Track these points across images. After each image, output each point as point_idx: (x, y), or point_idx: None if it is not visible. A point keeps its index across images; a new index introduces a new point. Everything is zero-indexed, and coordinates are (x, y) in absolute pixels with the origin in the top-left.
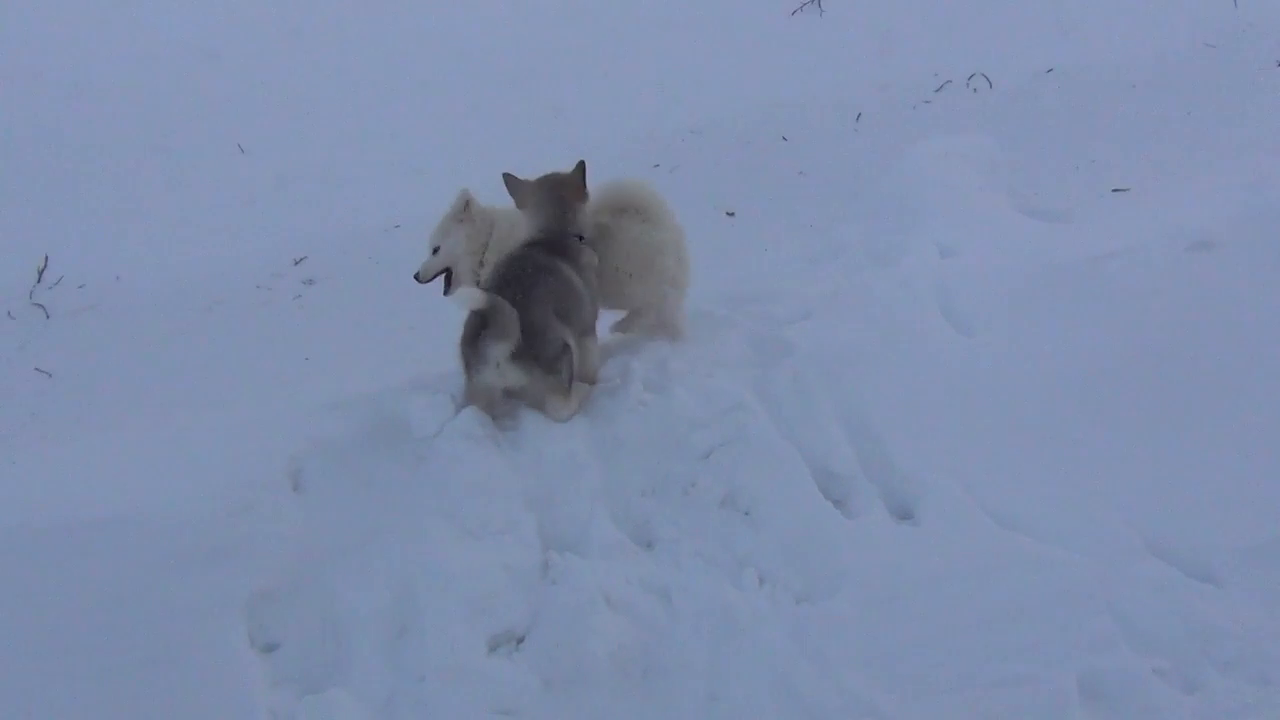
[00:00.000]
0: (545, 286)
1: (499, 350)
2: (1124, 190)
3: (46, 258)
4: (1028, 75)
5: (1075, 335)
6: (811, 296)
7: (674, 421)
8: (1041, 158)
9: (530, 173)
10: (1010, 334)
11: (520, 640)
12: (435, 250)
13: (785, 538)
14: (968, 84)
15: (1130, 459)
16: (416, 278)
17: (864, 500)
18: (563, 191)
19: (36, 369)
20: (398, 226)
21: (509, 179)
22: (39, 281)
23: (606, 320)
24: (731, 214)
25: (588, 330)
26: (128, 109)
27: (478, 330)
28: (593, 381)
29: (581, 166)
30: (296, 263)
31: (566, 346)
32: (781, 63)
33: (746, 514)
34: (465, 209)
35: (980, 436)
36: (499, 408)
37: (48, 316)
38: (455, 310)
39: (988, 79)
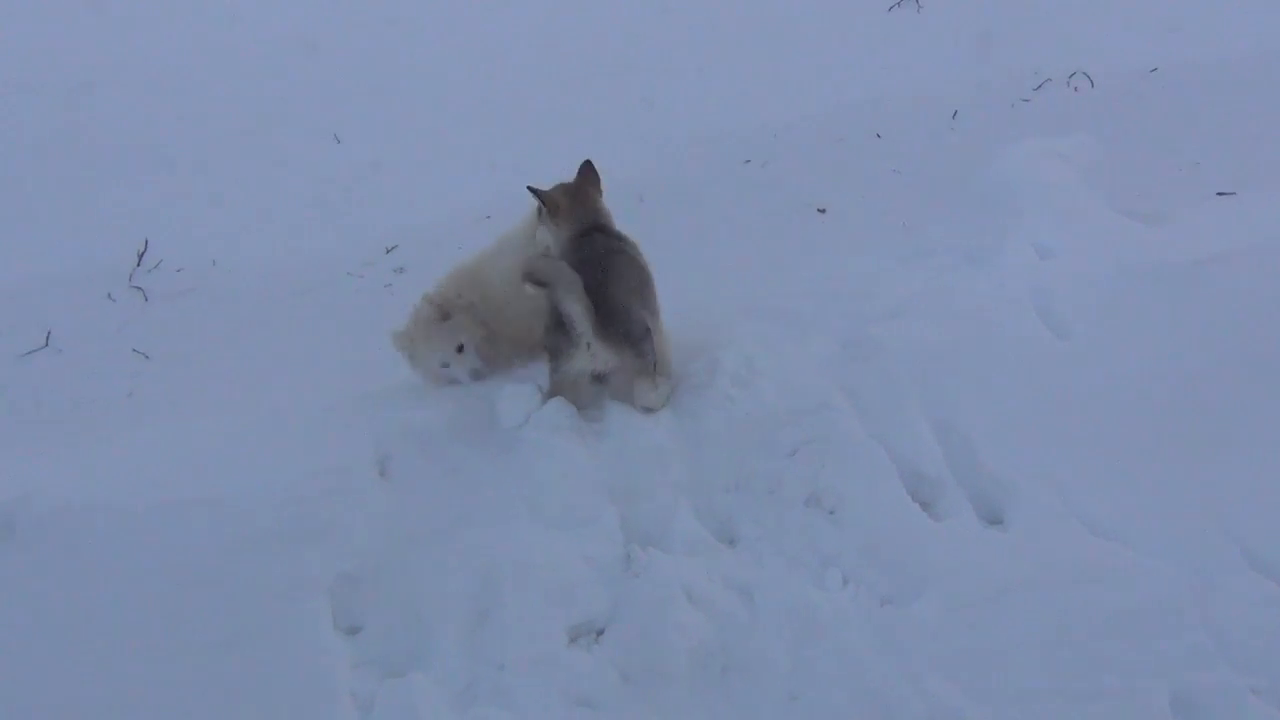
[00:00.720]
0: (621, 267)
1: (588, 330)
2: (1229, 194)
3: (146, 241)
4: (1131, 74)
5: (1175, 340)
6: (902, 295)
7: (760, 418)
8: (1144, 159)
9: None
10: (1108, 337)
11: (600, 632)
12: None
13: (870, 538)
14: (1068, 82)
15: (1229, 468)
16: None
17: (952, 503)
18: (588, 189)
19: (134, 350)
20: (488, 218)
21: (536, 190)
22: (139, 265)
23: None
24: (823, 210)
25: (658, 315)
26: (226, 98)
27: (559, 319)
28: (667, 373)
29: (589, 164)
30: (388, 251)
31: (648, 328)
32: (877, 59)
33: (831, 513)
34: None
35: (1074, 441)
36: (585, 398)
37: (146, 299)
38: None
39: (1089, 77)
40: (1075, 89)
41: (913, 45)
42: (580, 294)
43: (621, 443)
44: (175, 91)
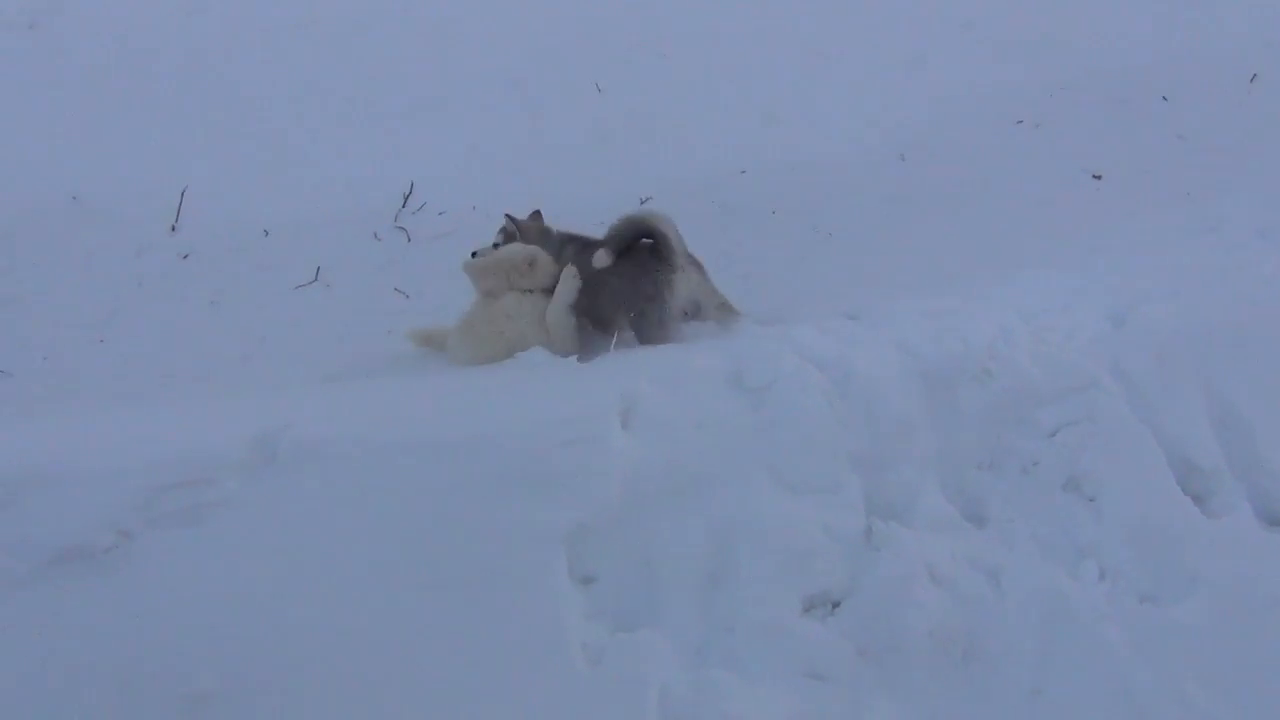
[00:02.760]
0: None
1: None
2: None
3: (412, 184)
4: None
5: None
6: (1182, 270)
7: (1019, 394)
8: None
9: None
10: None
11: (836, 604)
12: None
13: (1133, 531)
14: None
15: None
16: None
17: (1228, 498)
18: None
19: (395, 289)
20: (743, 172)
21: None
22: (403, 206)
23: None
24: (1098, 177)
25: None
26: (490, 45)
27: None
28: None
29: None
30: (643, 201)
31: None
32: (1167, 14)
33: (1091, 500)
34: None
35: None
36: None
37: (409, 240)
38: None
39: None
40: None
41: (1208, 1)
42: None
43: (869, 410)
44: (442, 36)
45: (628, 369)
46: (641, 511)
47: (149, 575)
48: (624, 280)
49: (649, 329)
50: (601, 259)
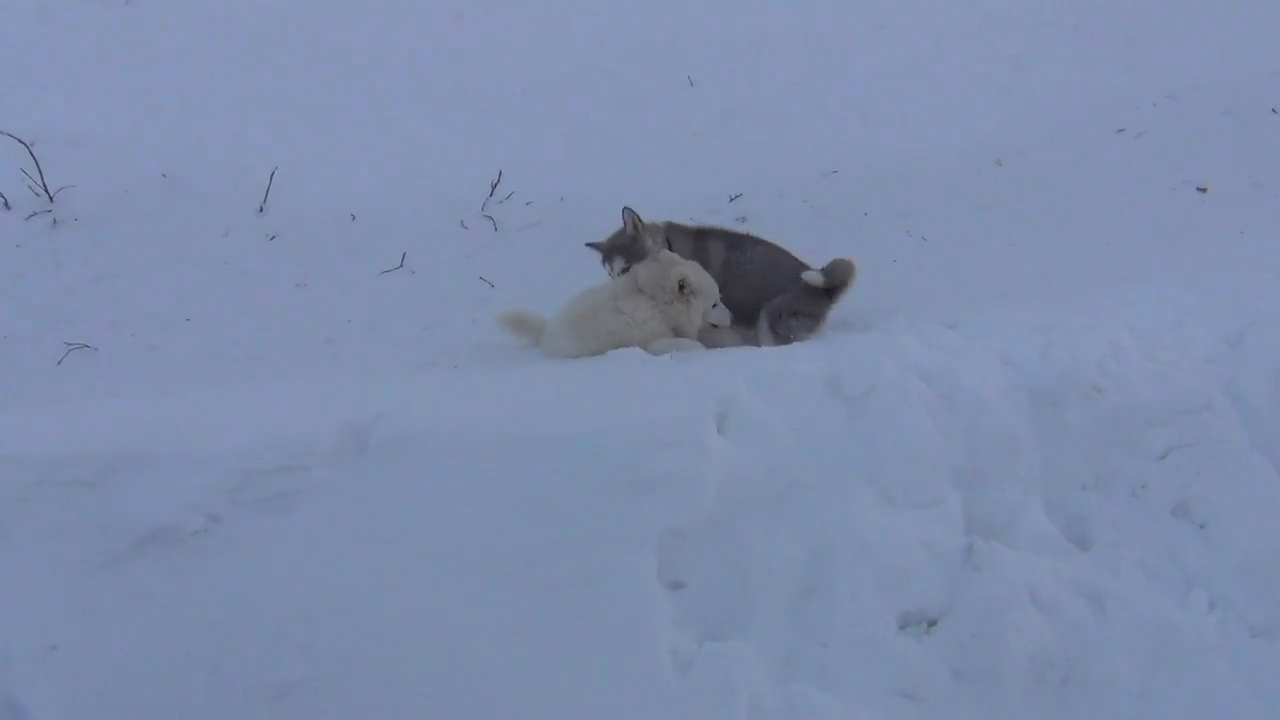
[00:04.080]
0: None
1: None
2: None
3: (500, 173)
4: None
5: None
6: None
7: (1129, 414)
8: None
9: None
10: None
11: (933, 623)
12: None
13: (1246, 560)
14: None
15: None
16: None
17: None
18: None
19: (481, 278)
20: (835, 172)
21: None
22: (491, 194)
23: None
24: (1203, 190)
25: None
26: (585, 32)
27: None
28: None
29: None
30: (732, 199)
31: None
32: (1277, 25)
33: (1202, 527)
34: None
35: None
36: None
37: (495, 229)
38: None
39: None
40: None
41: None
42: None
43: (973, 423)
44: (541, 26)
45: (725, 371)
46: (736, 517)
47: (237, 560)
48: (802, 291)
49: (793, 333)
50: (814, 277)
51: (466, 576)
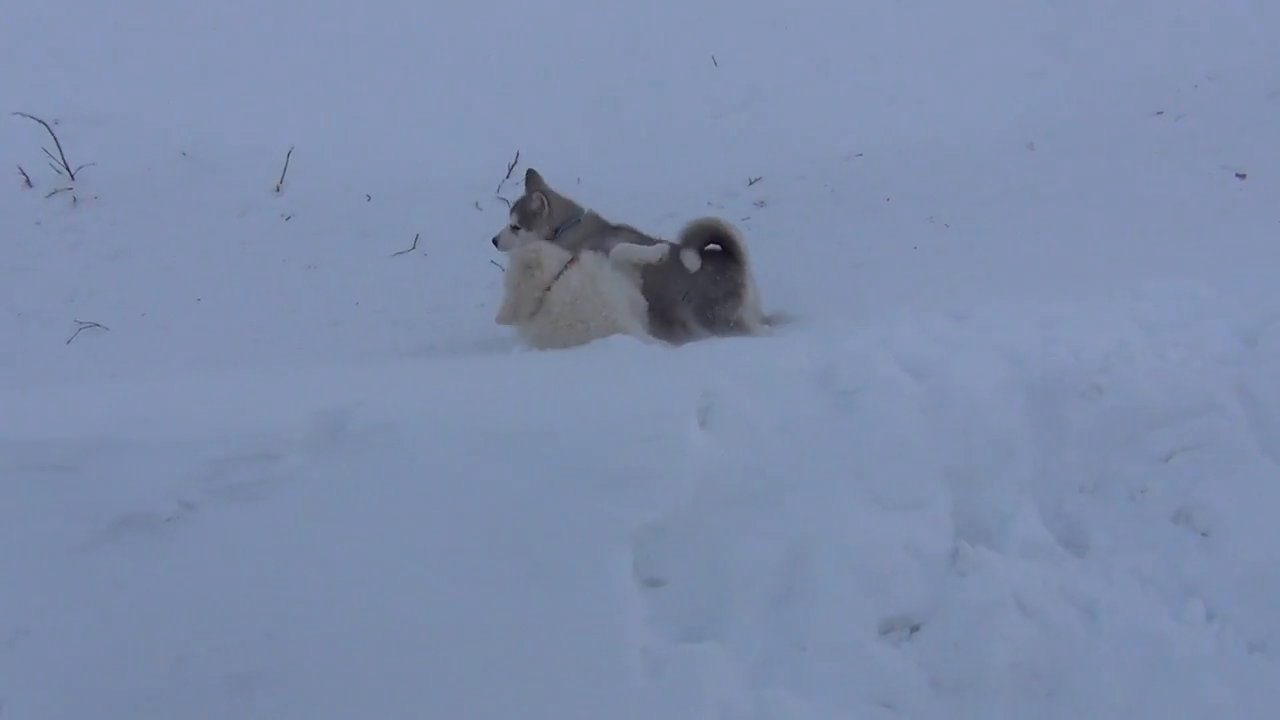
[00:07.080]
0: None
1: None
2: None
3: (517, 154)
4: None
5: None
6: None
7: (1130, 414)
8: None
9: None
10: None
11: (915, 629)
12: None
13: (1248, 571)
14: None
15: None
16: None
17: None
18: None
19: (493, 261)
20: (859, 155)
21: None
22: (508, 177)
23: None
24: (1243, 176)
25: None
26: (607, 10)
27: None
28: None
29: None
30: (751, 183)
31: None
32: None
33: (1203, 535)
34: None
35: None
36: None
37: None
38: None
39: None
40: None
41: None
42: None
43: (966, 422)
44: (547, 9)
45: (710, 363)
46: (715, 515)
47: (208, 548)
48: (703, 276)
49: (720, 326)
50: (692, 260)
51: (436, 570)
